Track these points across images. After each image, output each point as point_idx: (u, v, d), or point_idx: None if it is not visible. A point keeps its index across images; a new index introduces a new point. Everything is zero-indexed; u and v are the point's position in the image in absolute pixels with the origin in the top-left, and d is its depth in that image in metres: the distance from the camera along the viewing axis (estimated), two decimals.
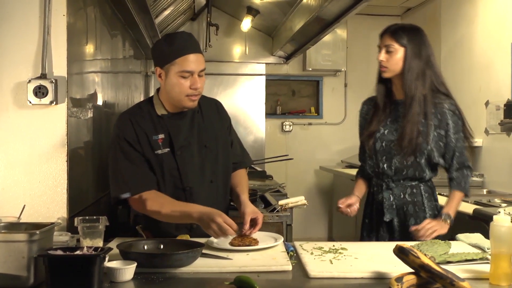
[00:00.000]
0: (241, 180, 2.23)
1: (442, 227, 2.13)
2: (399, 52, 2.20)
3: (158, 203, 1.97)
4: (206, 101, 2.20)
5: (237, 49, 5.67)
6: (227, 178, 2.19)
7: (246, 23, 5.10)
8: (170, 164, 2.03)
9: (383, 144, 2.28)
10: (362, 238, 2.42)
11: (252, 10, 4.90)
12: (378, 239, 2.32)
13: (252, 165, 4.42)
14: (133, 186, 1.99)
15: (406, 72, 2.19)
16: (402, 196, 2.27)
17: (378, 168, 2.30)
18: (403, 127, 2.19)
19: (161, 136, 2.04)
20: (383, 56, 2.22)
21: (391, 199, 2.28)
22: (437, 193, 2.36)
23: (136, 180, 1.99)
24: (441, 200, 2.38)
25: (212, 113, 2.18)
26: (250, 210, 1.99)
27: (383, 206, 2.28)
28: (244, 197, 2.12)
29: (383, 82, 2.30)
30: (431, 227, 2.11)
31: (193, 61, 1.99)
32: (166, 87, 2.03)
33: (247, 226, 1.91)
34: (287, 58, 5.65)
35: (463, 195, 2.27)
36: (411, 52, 2.19)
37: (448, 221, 2.17)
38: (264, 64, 5.75)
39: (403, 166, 2.25)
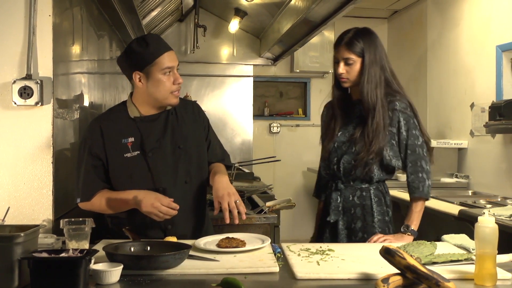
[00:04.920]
0: (218, 168, 2.19)
1: (399, 239, 2.11)
2: (358, 62, 2.20)
3: (100, 198, 2.05)
4: (183, 102, 2.21)
5: (225, 51, 5.67)
6: (203, 179, 2.19)
7: (234, 25, 5.10)
8: (141, 166, 2.05)
9: (335, 145, 2.28)
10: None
11: (240, 12, 4.91)
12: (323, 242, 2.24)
13: (240, 167, 4.42)
14: (83, 192, 2.06)
15: (365, 83, 2.18)
16: (351, 198, 2.26)
17: (329, 169, 2.31)
18: (371, 141, 2.16)
19: (131, 139, 2.06)
20: (342, 68, 2.22)
21: (339, 201, 2.26)
22: (389, 197, 2.31)
23: (86, 187, 2.05)
24: (405, 195, 2.33)
25: (187, 114, 2.19)
26: (220, 194, 1.96)
27: (329, 207, 2.28)
28: (216, 177, 2.07)
29: (339, 86, 2.30)
30: (382, 236, 2.12)
31: (171, 58, 2.05)
32: (149, 89, 2.04)
33: (227, 219, 1.92)
34: (275, 59, 5.67)
35: (423, 201, 2.21)
36: (369, 60, 2.19)
37: (409, 233, 2.15)
38: (252, 65, 5.76)
39: (351, 166, 2.23)
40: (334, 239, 2.27)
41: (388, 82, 2.23)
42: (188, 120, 2.17)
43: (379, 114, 2.16)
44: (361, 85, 2.20)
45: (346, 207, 2.26)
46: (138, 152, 2.05)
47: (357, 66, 2.20)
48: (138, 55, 2.02)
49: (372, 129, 2.16)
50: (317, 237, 2.39)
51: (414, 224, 2.18)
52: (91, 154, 2.05)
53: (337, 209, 2.27)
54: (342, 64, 2.22)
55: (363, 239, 2.20)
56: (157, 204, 1.91)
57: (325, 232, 2.33)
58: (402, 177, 3.92)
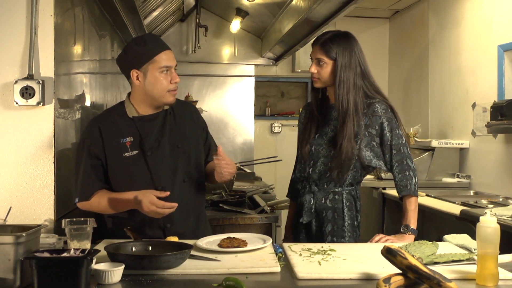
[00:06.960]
0: None
1: (401, 239, 2.12)
2: (329, 65, 2.21)
3: (98, 198, 2.04)
4: (180, 103, 2.23)
5: (226, 51, 5.67)
6: (201, 178, 2.20)
7: (235, 25, 5.10)
8: (140, 165, 2.06)
9: (313, 148, 2.29)
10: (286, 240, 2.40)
11: (241, 12, 4.91)
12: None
13: (241, 167, 4.42)
14: (82, 192, 2.05)
15: (337, 87, 2.19)
16: (323, 201, 2.26)
17: (304, 172, 2.32)
18: (340, 145, 2.17)
19: (130, 139, 2.06)
20: (314, 68, 2.24)
21: (311, 202, 2.27)
22: (360, 203, 2.30)
23: (85, 187, 2.05)
24: (395, 192, 2.34)
25: (185, 115, 2.20)
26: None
27: (302, 208, 2.28)
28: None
29: (317, 88, 2.31)
30: (384, 236, 2.13)
31: (169, 57, 2.06)
32: (146, 87, 2.05)
33: (220, 164, 2.00)
34: (276, 59, 5.67)
35: (415, 198, 2.21)
36: (341, 65, 2.19)
37: (409, 233, 2.15)
38: (253, 65, 5.76)
39: (327, 169, 2.24)
40: (309, 241, 2.26)
41: (366, 92, 2.22)
42: (186, 121, 2.19)
43: (350, 119, 2.17)
44: (334, 91, 2.21)
45: (318, 209, 2.27)
46: (137, 151, 2.06)
47: (328, 68, 2.21)
48: (136, 53, 2.03)
49: (342, 134, 2.17)
50: (293, 239, 2.39)
51: (413, 223, 2.18)
52: (90, 153, 2.06)
53: (310, 211, 2.27)
54: (314, 64, 2.25)
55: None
56: (155, 201, 1.91)
57: (300, 233, 2.33)
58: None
